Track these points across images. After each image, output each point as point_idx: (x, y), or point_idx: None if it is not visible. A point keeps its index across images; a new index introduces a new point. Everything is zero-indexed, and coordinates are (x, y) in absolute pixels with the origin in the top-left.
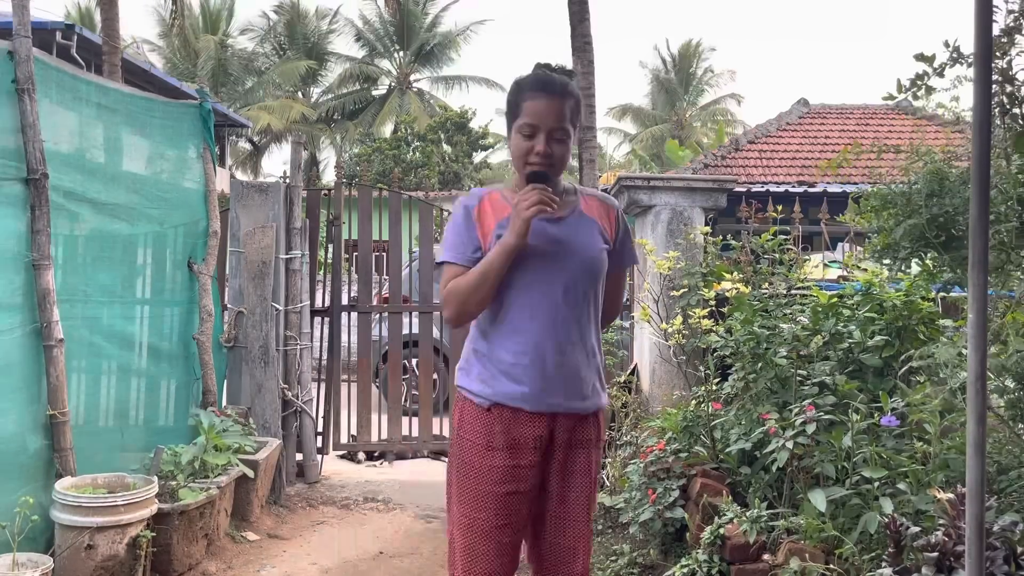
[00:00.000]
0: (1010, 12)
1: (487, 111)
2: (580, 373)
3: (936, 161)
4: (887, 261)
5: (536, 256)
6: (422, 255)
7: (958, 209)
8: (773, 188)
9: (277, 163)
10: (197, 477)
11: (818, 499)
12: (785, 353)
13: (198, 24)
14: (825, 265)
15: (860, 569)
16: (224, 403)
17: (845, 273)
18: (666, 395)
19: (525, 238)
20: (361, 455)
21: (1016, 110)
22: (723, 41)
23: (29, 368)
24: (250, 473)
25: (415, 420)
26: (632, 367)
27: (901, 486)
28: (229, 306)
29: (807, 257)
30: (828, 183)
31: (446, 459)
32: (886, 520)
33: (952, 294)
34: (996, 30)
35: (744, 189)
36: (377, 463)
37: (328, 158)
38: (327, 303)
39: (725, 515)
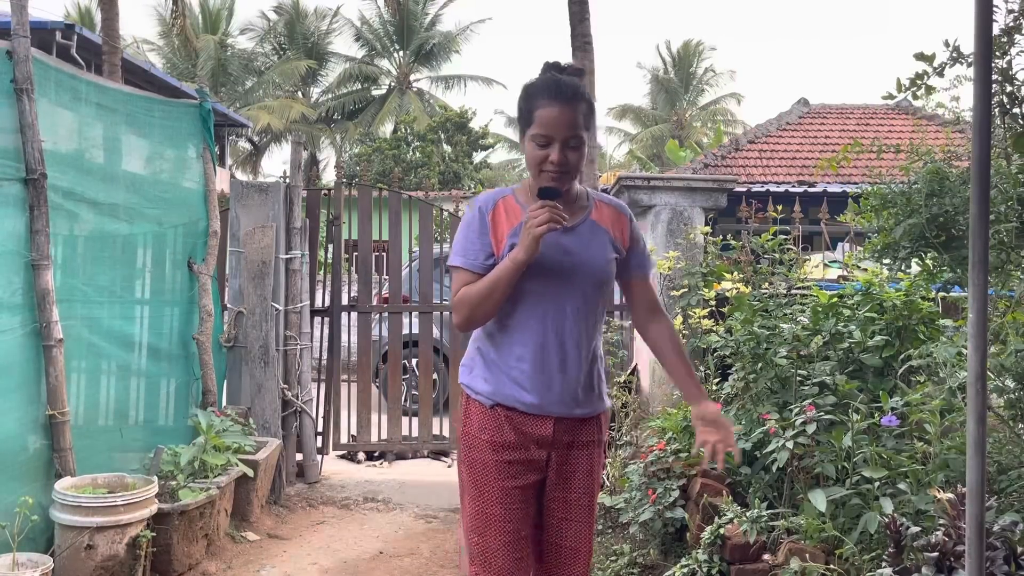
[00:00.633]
0: (1010, 11)
1: (487, 110)
2: (583, 381)
3: (936, 161)
4: (887, 261)
5: (545, 267)
6: (422, 255)
7: (958, 209)
8: (773, 188)
9: (277, 163)
10: (197, 477)
11: (818, 499)
12: (785, 353)
13: (198, 24)
14: (825, 265)
15: (860, 569)
16: (224, 403)
17: (845, 273)
18: (666, 395)
19: (535, 254)
20: (361, 455)
21: (1016, 110)
22: (723, 41)
23: (28, 368)
24: (250, 473)
25: (415, 420)
26: (632, 367)
27: (901, 486)
28: (229, 306)
29: (807, 257)
30: (828, 183)
31: (446, 459)
32: (886, 520)
33: (952, 294)
34: (996, 29)
35: (744, 189)
36: (377, 463)
37: (328, 158)
38: (327, 303)
39: (725, 515)
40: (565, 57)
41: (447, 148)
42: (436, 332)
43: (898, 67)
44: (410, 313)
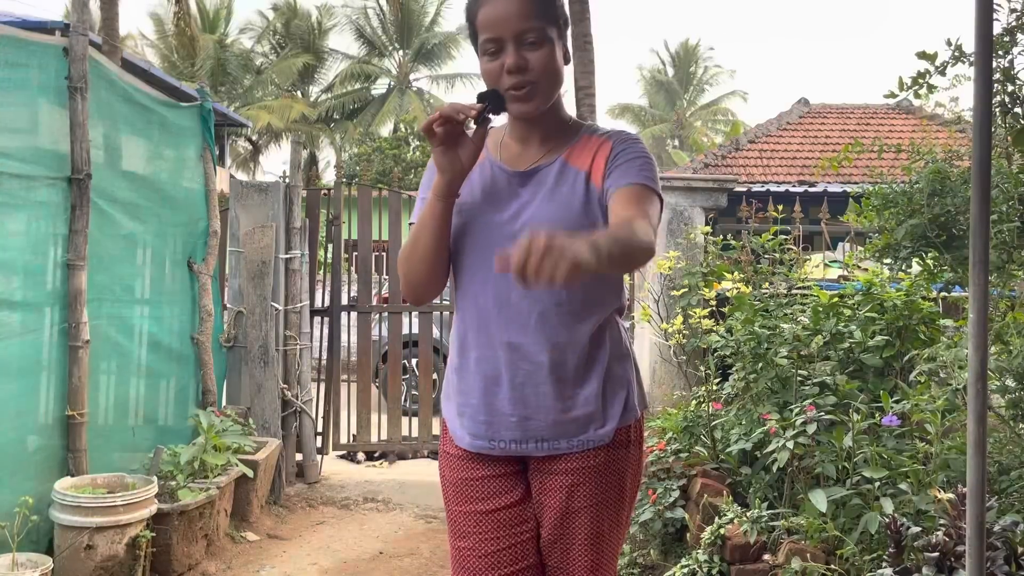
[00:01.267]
0: (1012, 11)
1: None
2: (566, 402)
3: (937, 160)
4: (888, 261)
5: (479, 230)
6: None
7: (959, 208)
8: (773, 188)
9: (277, 163)
10: (197, 477)
11: (819, 499)
12: (786, 353)
13: (197, 24)
14: (825, 265)
15: (861, 569)
16: (224, 403)
17: (846, 273)
18: (666, 395)
19: (450, 175)
20: (361, 455)
21: (1017, 109)
22: (723, 41)
23: (50, 368)
24: (250, 473)
25: (415, 420)
26: None
27: (902, 486)
28: (229, 306)
29: (807, 257)
30: (828, 183)
31: None
32: (887, 520)
33: (953, 294)
34: (998, 28)
35: (744, 189)
36: (377, 463)
37: (328, 157)
38: (327, 303)
39: (725, 515)
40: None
41: None
42: (436, 332)
43: (898, 67)
44: (410, 313)
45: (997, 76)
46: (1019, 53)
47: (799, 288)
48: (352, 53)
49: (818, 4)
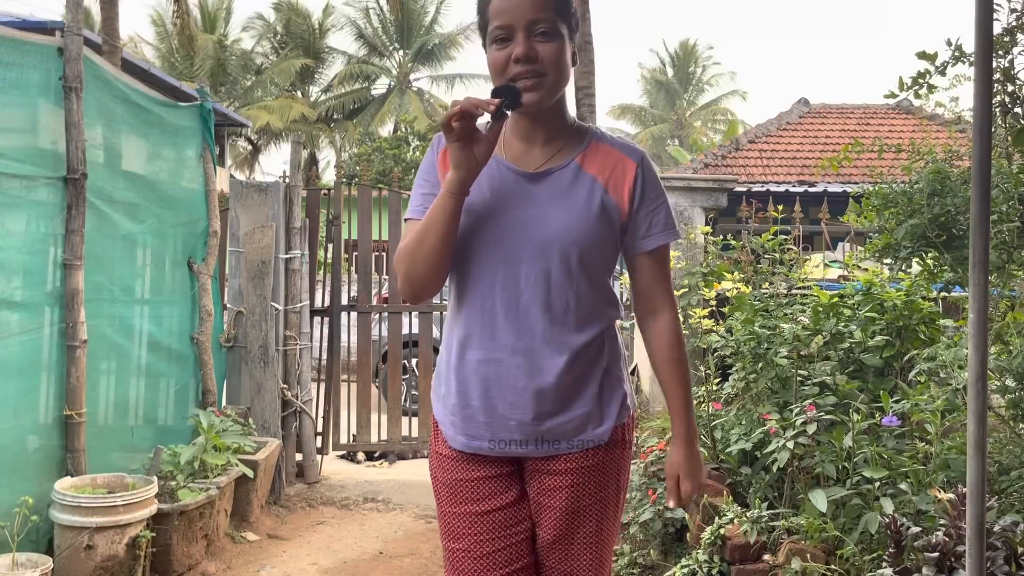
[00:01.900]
0: (1012, 11)
1: None
2: (566, 403)
3: (937, 160)
4: (888, 261)
5: (489, 228)
6: None
7: (959, 208)
8: (773, 188)
9: (277, 163)
10: (197, 477)
11: (819, 499)
12: (786, 353)
13: (197, 24)
14: (825, 265)
15: (861, 569)
16: (224, 403)
17: (846, 273)
18: None
19: (465, 171)
20: (361, 455)
21: (1017, 109)
22: (722, 41)
23: (49, 368)
24: (250, 473)
25: (415, 420)
26: (632, 367)
27: (902, 486)
28: (229, 306)
29: (807, 257)
30: (828, 183)
31: None
32: (887, 520)
33: (953, 294)
34: (998, 28)
35: (744, 189)
36: (377, 463)
37: (328, 157)
38: (327, 303)
39: (725, 515)
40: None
41: None
42: (436, 332)
43: (899, 67)
44: (410, 313)
45: (997, 76)
46: (1019, 53)
47: (799, 288)
48: (352, 53)
49: (818, 4)
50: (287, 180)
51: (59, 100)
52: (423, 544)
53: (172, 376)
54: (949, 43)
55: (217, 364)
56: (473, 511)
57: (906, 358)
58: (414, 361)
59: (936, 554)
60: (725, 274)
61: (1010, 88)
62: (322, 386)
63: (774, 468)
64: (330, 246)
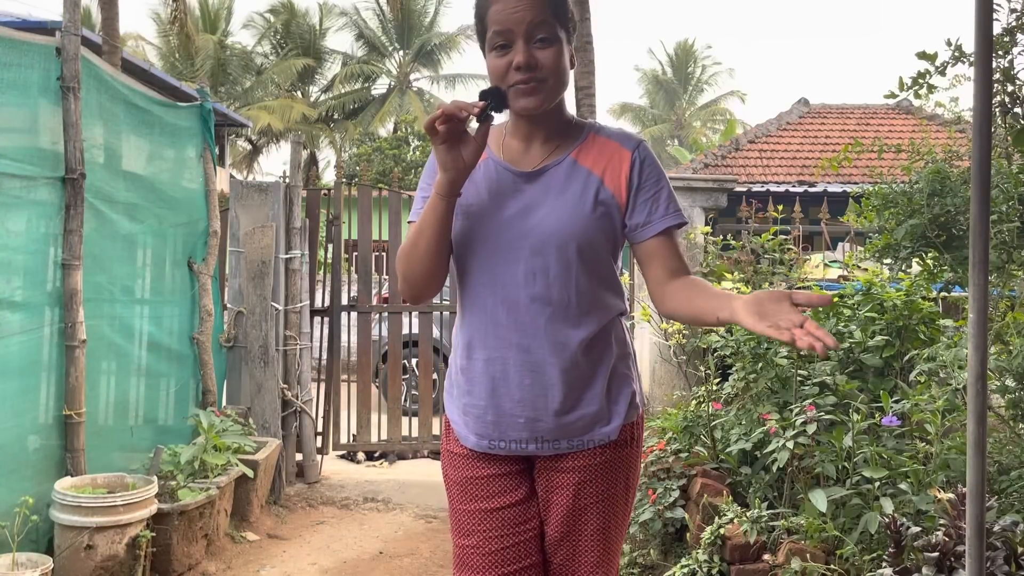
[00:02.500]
0: (1012, 11)
1: None
2: (572, 402)
3: (937, 160)
4: (888, 261)
5: (485, 229)
6: None
7: (959, 208)
8: (773, 188)
9: (276, 163)
10: (197, 477)
11: (819, 499)
12: (785, 353)
13: (197, 24)
14: (825, 265)
15: (861, 569)
16: (224, 403)
17: (845, 273)
18: (666, 395)
19: (453, 173)
20: (361, 455)
21: (1017, 109)
22: (722, 41)
23: (49, 368)
24: (250, 473)
25: (415, 420)
26: None
27: (902, 486)
28: (229, 306)
29: (807, 257)
30: (828, 183)
31: None
32: (887, 520)
33: (953, 294)
34: (998, 28)
35: (744, 189)
36: (377, 463)
37: (328, 157)
38: (327, 303)
39: (725, 515)
40: None
41: None
42: (436, 332)
43: (898, 67)
44: (410, 313)
45: (997, 76)
46: (1019, 53)
47: (799, 288)
48: (352, 53)
49: (818, 3)
50: (287, 180)
51: (58, 100)
52: (423, 544)
53: (172, 376)
54: (949, 43)
55: (217, 364)
56: (483, 508)
57: (906, 358)
58: (414, 361)
59: (936, 554)
60: (725, 274)
61: (1010, 88)
62: (322, 386)
63: (774, 468)
64: (330, 246)
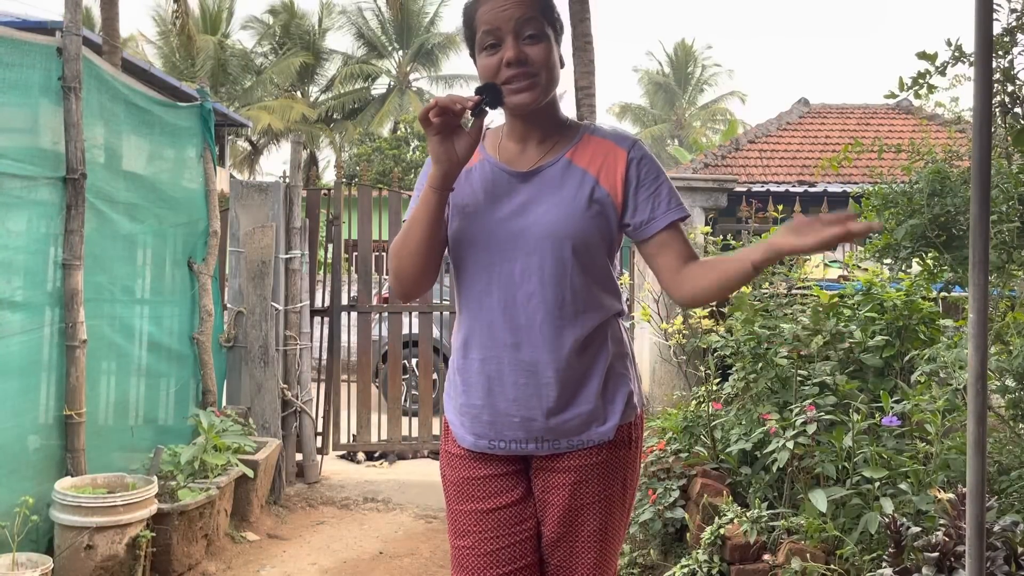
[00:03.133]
0: (1012, 11)
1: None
2: (567, 401)
3: (937, 160)
4: (888, 261)
5: (481, 229)
6: None
7: (959, 208)
8: (773, 188)
9: (277, 163)
10: (197, 477)
11: (819, 499)
12: (786, 353)
13: (198, 24)
14: (825, 265)
15: (861, 569)
16: (224, 403)
17: (846, 273)
18: (666, 395)
19: (446, 165)
20: (361, 455)
21: (1017, 109)
22: (721, 40)
23: (49, 368)
24: (250, 473)
25: (415, 420)
26: None
27: (902, 486)
28: (229, 306)
29: (807, 257)
30: (828, 183)
31: None
32: (887, 520)
33: (953, 294)
34: (998, 28)
35: (744, 189)
36: (377, 463)
37: (328, 158)
38: (327, 303)
39: (725, 515)
40: (566, 57)
41: None
42: (436, 332)
43: (898, 67)
44: (410, 313)
45: (997, 76)
46: (1019, 53)
47: (799, 288)
48: (352, 53)
49: (818, 3)
50: (287, 180)
51: (59, 100)
52: (423, 544)
53: (172, 376)
54: (949, 43)
55: (217, 364)
56: (479, 508)
57: (906, 358)
58: (414, 361)
59: (936, 554)
60: None
61: (1010, 88)
62: (322, 386)
63: (774, 468)
64: (330, 246)
